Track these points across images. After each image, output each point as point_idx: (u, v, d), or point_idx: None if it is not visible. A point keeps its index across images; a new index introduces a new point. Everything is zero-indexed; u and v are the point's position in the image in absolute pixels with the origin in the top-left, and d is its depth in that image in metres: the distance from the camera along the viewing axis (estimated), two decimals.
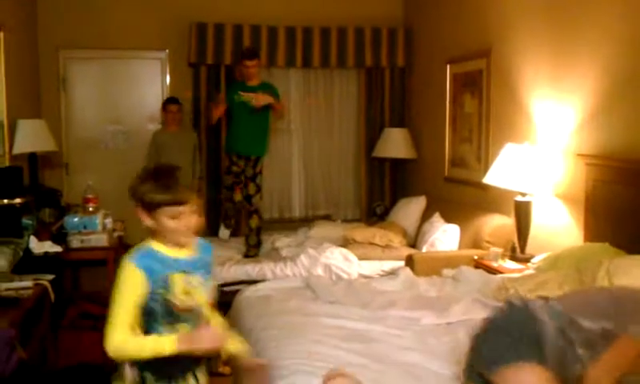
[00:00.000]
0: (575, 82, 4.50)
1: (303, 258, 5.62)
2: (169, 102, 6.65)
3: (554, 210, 4.73)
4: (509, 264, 4.62)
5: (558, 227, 4.68)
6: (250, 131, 6.16)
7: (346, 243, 5.91)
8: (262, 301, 3.73)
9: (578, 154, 4.44)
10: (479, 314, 3.36)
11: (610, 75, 4.17)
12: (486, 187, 5.17)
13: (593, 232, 4.23)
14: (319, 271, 5.46)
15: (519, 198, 4.70)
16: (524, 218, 4.68)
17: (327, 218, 7.35)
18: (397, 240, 5.81)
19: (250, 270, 5.61)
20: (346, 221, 7.24)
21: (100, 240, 4.80)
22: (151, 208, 2.26)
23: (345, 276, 5.40)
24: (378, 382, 2.56)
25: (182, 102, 6.71)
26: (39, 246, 4.32)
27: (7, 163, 5.29)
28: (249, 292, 3.96)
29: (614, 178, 4.04)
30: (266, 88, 6.20)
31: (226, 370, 4.36)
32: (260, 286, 4.15)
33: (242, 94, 6.01)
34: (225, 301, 4.78)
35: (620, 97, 4.09)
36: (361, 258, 5.67)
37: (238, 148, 6.18)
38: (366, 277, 5.34)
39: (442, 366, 2.75)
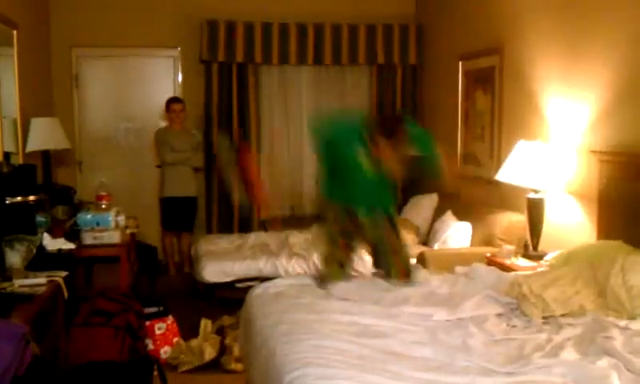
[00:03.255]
0: (588, 79, 4.47)
1: (316, 256, 5.62)
2: (172, 101, 6.68)
3: (567, 207, 4.70)
4: (521, 261, 4.60)
5: (571, 224, 4.66)
6: None
7: None
8: (274, 297, 3.73)
9: (591, 151, 4.41)
10: (491, 310, 3.36)
11: (623, 72, 4.14)
12: (498, 184, 5.15)
13: (606, 229, 4.20)
14: None
15: (532, 195, 4.68)
16: (536, 215, 4.66)
17: None
18: (408, 238, 5.79)
19: (263, 266, 5.63)
20: None
21: (113, 237, 4.81)
22: None
23: (357, 274, 5.38)
24: (391, 373, 2.57)
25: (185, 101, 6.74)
26: (53, 243, 4.34)
27: (21, 161, 5.33)
28: (261, 288, 3.96)
29: (627, 174, 4.01)
30: None
31: (238, 366, 4.38)
32: (272, 282, 4.15)
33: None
34: (237, 297, 4.81)
35: (633, 93, 4.06)
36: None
37: None
38: None
39: (453, 358, 2.76)
